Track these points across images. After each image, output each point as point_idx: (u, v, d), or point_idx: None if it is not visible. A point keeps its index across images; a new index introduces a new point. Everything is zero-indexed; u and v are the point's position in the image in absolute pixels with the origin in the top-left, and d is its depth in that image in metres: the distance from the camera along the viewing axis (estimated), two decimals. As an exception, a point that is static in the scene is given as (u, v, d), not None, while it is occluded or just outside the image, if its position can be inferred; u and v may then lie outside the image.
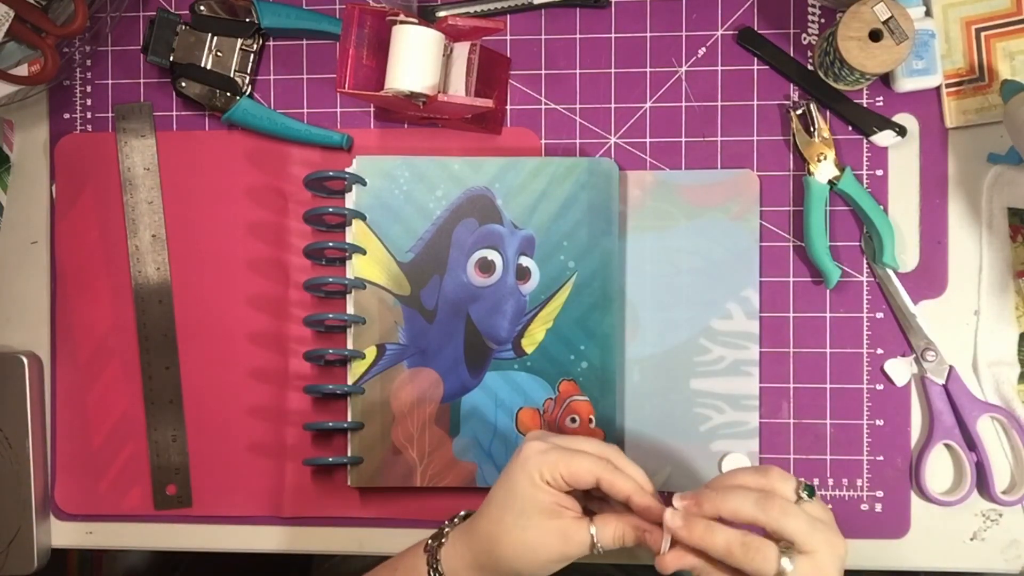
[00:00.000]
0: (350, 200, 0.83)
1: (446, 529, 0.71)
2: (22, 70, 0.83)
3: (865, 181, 0.82)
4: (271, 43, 0.87)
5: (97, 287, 0.87)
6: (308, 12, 0.85)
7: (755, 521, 0.62)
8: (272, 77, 0.87)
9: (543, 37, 0.85)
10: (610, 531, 0.67)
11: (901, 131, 0.82)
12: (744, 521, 0.62)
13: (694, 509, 0.63)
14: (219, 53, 0.84)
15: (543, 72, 0.85)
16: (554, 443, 0.68)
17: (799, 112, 0.82)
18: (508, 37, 0.85)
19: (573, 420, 0.82)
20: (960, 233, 0.82)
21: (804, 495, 0.63)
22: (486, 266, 0.83)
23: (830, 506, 0.74)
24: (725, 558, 0.62)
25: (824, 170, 0.81)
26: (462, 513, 0.73)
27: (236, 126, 0.86)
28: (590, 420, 0.82)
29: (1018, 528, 0.82)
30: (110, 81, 0.88)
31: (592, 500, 0.70)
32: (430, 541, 0.71)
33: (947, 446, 0.82)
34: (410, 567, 0.70)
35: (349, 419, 0.83)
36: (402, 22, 0.77)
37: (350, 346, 0.83)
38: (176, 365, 0.86)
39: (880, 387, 0.82)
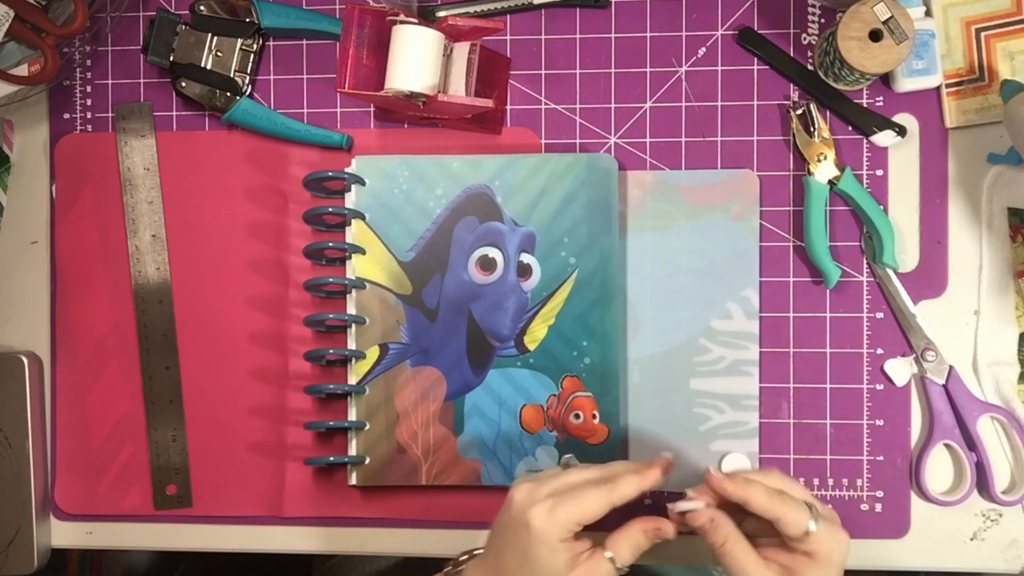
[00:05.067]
0: (350, 200, 0.84)
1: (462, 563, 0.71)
2: (22, 70, 0.83)
3: (865, 181, 0.82)
4: (271, 43, 0.87)
5: (97, 287, 0.87)
6: (308, 12, 0.85)
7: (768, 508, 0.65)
8: (272, 77, 0.87)
9: (543, 37, 0.85)
10: (625, 548, 0.67)
11: (901, 131, 0.82)
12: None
13: (715, 484, 0.66)
14: (219, 53, 0.85)
15: (543, 72, 0.85)
16: (554, 495, 0.66)
17: (799, 112, 0.82)
18: (508, 37, 0.85)
19: (577, 416, 0.82)
20: (960, 233, 0.82)
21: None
22: (487, 264, 0.83)
23: (830, 506, 0.74)
24: (764, 509, 0.64)
25: (824, 170, 0.82)
26: (473, 550, 0.72)
27: (236, 126, 0.86)
28: (594, 416, 0.82)
29: (1018, 528, 0.82)
30: (110, 81, 0.88)
31: None
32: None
33: (947, 446, 0.82)
34: None
35: (351, 418, 0.83)
36: (402, 22, 0.77)
37: (351, 346, 0.83)
38: (176, 365, 0.86)
39: (880, 387, 0.82)
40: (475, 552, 0.73)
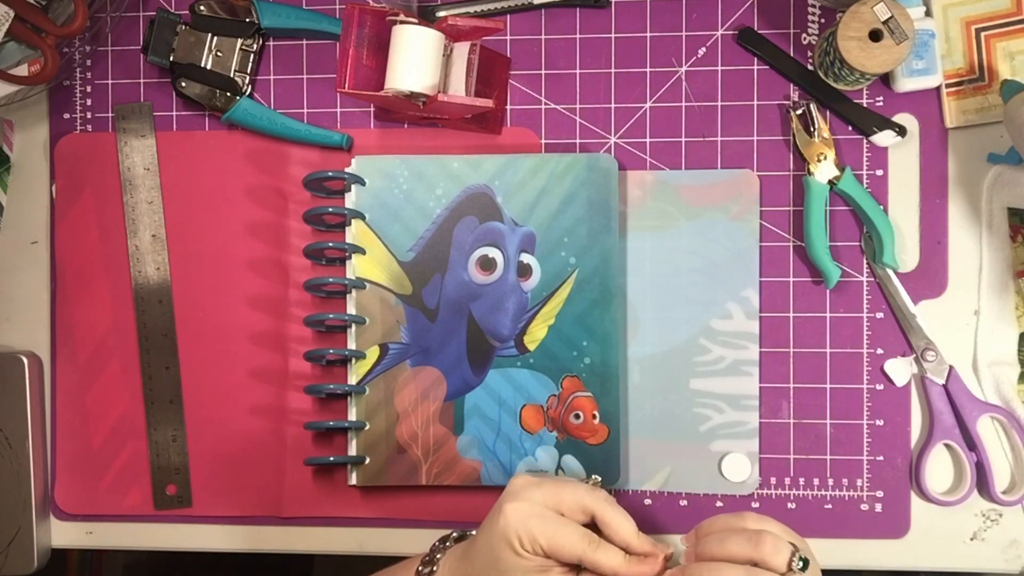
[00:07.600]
0: (350, 200, 0.84)
1: (437, 556, 0.70)
2: (22, 70, 0.83)
3: (865, 181, 0.82)
4: (271, 43, 0.87)
5: (97, 287, 0.87)
6: (308, 12, 0.85)
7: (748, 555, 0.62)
8: (272, 77, 0.87)
9: (543, 37, 0.85)
10: None
11: (901, 131, 0.82)
12: None
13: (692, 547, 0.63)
14: (219, 53, 0.85)
15: (543, 72, 0.85)
16: (539, 505, 0.65)
17: (799, 112, 0.82)
18: (508, 37, 0.85)
19: (577, 416, 0.82)
20: (960, 233, 0.82)
21: (797, 568, 0.61)
22: (487, 264, 0.83)
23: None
24: (746, 557, 0.61)
25: (824, 170, 0.82)
26: (454, 535, 0.72)
27: (236, 126, 0.86)
28: (594, 416, 0.82)
29: (1018, 528, 0.82)
30: (110, 81, 0.88)
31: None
32: (420, 568, 0.70)
33: (947, 446, 0.82)
34: None
35: (351, 418, 0.83)
36: (402, 22, 0.77)
37: (351, 346, 0.83)
38: (176, 365, 0.86)
39: (880, 387, 0.82)
40: (467, 533, 0.73)
